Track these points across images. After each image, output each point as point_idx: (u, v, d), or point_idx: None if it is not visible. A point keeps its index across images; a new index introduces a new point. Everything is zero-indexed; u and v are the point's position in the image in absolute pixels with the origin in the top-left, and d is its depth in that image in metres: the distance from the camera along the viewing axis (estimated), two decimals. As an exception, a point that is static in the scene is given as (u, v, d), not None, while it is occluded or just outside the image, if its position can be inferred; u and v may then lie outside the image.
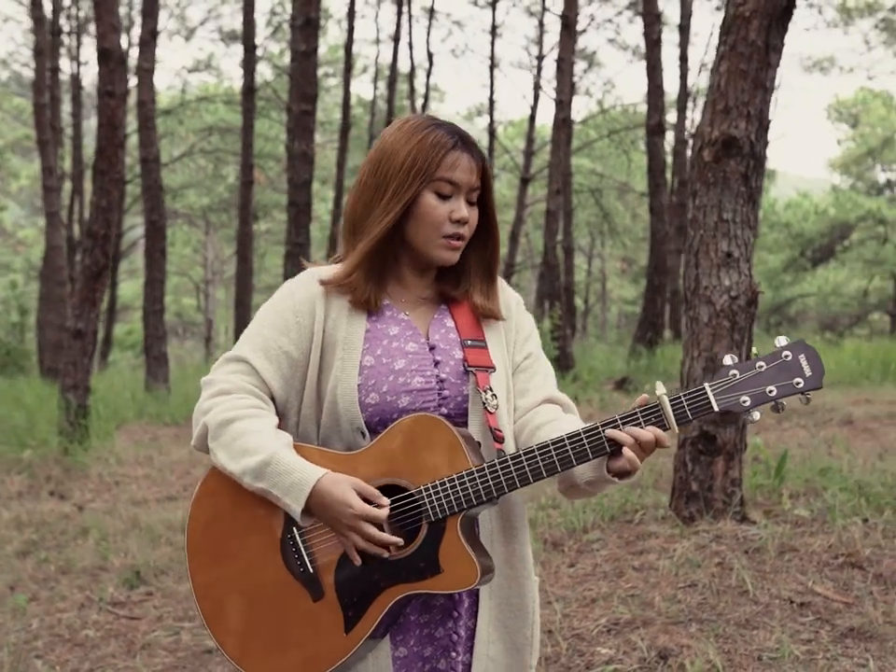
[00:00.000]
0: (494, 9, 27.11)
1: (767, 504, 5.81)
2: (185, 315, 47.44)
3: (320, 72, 34.46)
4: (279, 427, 2.02)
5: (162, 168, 15.35)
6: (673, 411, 1.89)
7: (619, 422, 1.92)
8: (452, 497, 1.92)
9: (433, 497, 1.92)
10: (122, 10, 28.73)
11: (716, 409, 1.90)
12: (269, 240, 40.14)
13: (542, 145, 31.12)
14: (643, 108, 31.10)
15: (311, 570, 1.94)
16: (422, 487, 1.93)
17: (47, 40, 20.91)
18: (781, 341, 1.93)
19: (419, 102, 25.27)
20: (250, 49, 21.32)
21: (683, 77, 21.21)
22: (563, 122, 16.33)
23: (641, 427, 1.90)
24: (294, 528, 1.95)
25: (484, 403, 2.02)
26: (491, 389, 2.03)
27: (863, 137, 40.34)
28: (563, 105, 16.22)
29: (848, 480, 6.13)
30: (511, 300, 2.22)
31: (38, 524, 6.78)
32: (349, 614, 1.92)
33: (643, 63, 17.44)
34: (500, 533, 2.08)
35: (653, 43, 16.18)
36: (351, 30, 22.72)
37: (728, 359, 1.93)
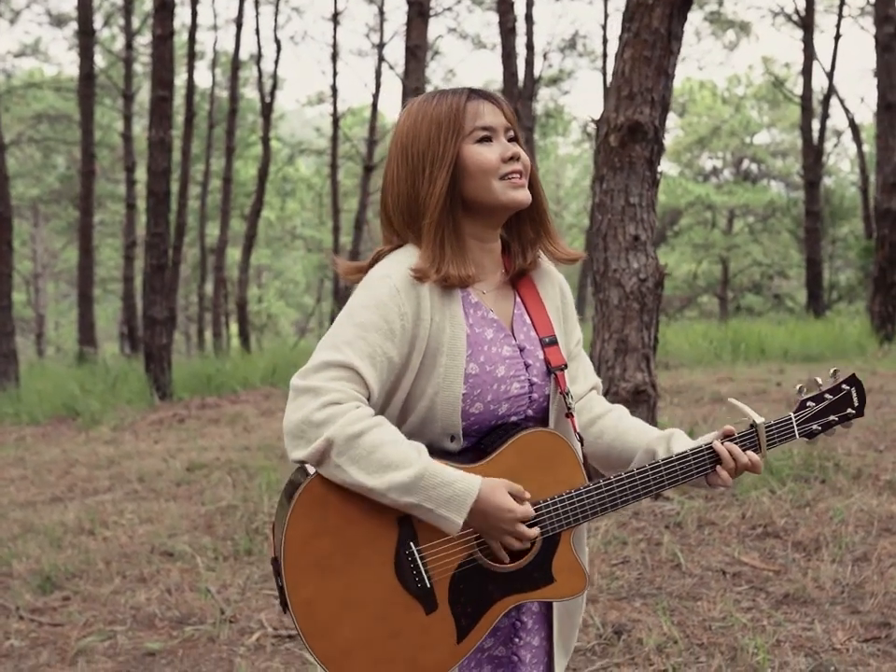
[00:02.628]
0: (335, -4, 26.96)
1: (676, 480, 5.97)
2: (14, 311, 45.49)
3: (147, 59, 33.60)
4: None
5: (5, 155, 14.62)
6: (766, 438, 2.09)
7: (722, 441, 2.06)
8: (570, 512, 1.96)
9: (553, 512, 1.95)
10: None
11: (797, 437, 2.14)
12: (103, 232, 38.88)
13: (384, 133, 31.11)
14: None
15: (428, 585, 1.89)
16: (542, 502, 1.95)
17: None
18: (840, 376, 2.18)
19: (267, 89, 24.85)
20: (87, 32, 20.62)
21: (529, 65, 21.54)
22: (418, 110, 16.31)
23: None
24: (411, 543, 1.89)
25: (569, 407, 2.04)
26: (570, 391, 2.06)
27: (691, 126, 41.82)
28: (418, 92, 16.22)
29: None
30: (562, 281, 2.19)
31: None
32: (462, 623, 1.92)
33: (483, 53, 17.68)
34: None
35: (507, 31, 16.35)
36: (194, 14, 22.21)
37: (801, 391, 2.17)
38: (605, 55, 27.39)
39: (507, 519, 1.85)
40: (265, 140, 24.22)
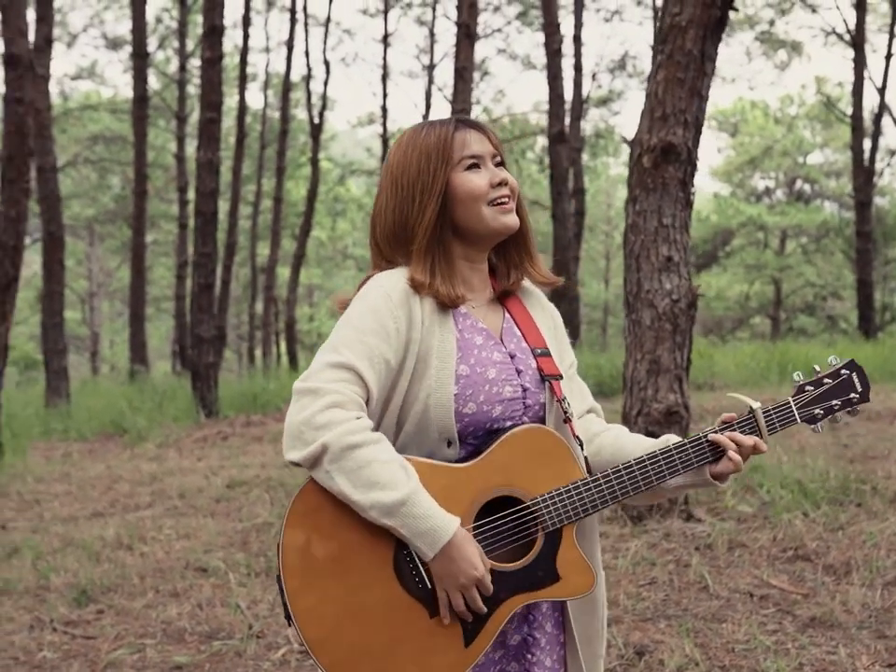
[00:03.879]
0: (385, 18, 27.18)
1: (709, 502, 5.95)
2: (68, 329, 46.14)
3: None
4: None
5: (57, 177, 14.93)
6: (765, 423, 2.06)
7: (718, 430, 2.04)
8: (569, 507, 1.95)
9: (551, 507, 1.94)
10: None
11: (798, 421, 2.10)
12: (156, 251, 39.41)
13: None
14: (533, 118, 31.57)
15: (430, 586, 1.89)
16: (538, 498, 1.95)
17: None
18: (833, 360, 2.14)
19: (316, 111, 25.11)
20: (141, 55, 20.98)
21: (578, 86, 21.56)
22: (464, 131, 16.40)
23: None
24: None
25: (566, 412, 2.05)
26: (566, 398, 2.08)
27: (743, 146, 41.55)
28: (464, 114, 16.33)
29: (784, 477, 6.32)
30: (551, 307, 2.26)
31: (-38, 545, 6.55)
32: (468, 627, 1.90)
33: (532, 73, 17.72)
34: (579, 535, 2.07)
35: (554, 52, 16.40)
36: (246, 38, 22.51)
37: (797, 376, 2.13)
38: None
39: (470, 575, 1.86)
40: (314, 161, 24.42)
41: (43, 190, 14.35)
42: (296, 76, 26.52)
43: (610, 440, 2.16)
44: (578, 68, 21.32)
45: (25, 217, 9.21)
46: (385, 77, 27.39)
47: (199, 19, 25.10)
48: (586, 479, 1.97)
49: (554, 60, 16.49)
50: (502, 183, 2.05)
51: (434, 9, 28.55)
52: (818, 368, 2.14)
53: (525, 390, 2.04)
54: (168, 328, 43.34)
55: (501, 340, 2.10)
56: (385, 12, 27.24)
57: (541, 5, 17.01)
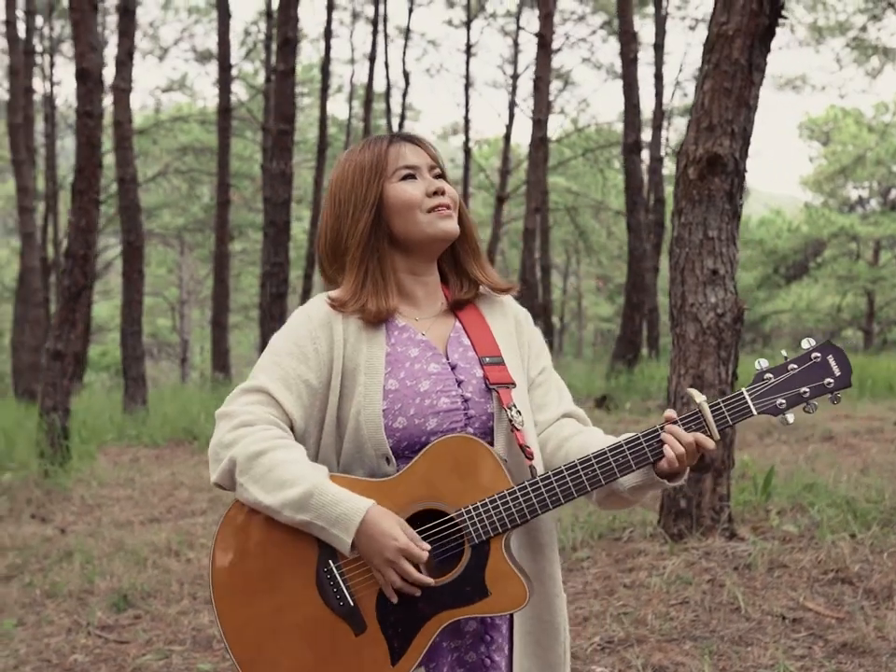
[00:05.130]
0: (468, 29, 27.26)
1: (755, 520, 5.82)
2: (160, 336, 47.14)
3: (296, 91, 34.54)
4: None
5: (137, 188, 15.25)
6: (714, 417, 1.92)
7: (659, 430, 1.93)
8: (495, 518, 1.89)
9: (476, 520, 1.89)
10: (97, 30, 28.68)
11: (755, 413, 1.93)
12: (244, 260, 40.02)
13: (518, 163, 31.24)
14: (618, 127, 31.29)
15: (351, 604, 1.88)
16: (463, 510, 1.89)
17: (20, 60, 20.80)
18: (806, 343, 1.97)
19: (395, 121, 25.28)
20: (226, 68, 21.36)
21: (658, 95, 21.35)
22: (540, 141, 16.40)
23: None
24: (330, 561, 1.89)
25: (511, 420, 1.99)
26: (515, 406, 2.01)
27: (835, 155, 40.68)
28: (540, 123, 16.30)
29: (835, 495, 6.15)
30: (519, 313, 2.23)
31: (21, 547, 6.71)
32: (395, 645, 1.86)
33: (617, 82, 17.61)
34: (529, 550, 2.05)
35: (630, 62, 16.28)
36: (328, 49, 22.77)
37: (758, 364, 1.96)
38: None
39: (390, 547, 1.82)
40: (394, 171, 24.55)
41: (123, 201, 14.66)
42: (380, 86, 26.64)
43: (578, 444, 2.07)
44: (658, 77, 21.11)
45: (95, 227, 9.44)
46: (467, 88, 27.47)
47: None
48: (513, 488, 1.90)
49: (630, 69, 16.36)
50: (438, 192, 2.05)
51: (518, 20, 28.54)
52: (785, 353, 1.99)
53: (465, 400, 2.01)
54: (256, 336, 44.01)
55: (446, 351, 2.08)
56: (468, 23, 27.31)
57: (617, 14, 16.89)
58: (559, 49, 27.93)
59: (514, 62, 29.17)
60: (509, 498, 1.89)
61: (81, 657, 4.57)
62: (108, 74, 18.92)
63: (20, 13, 21.87)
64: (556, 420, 2.15)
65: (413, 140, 2.12)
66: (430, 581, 1.84)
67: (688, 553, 5.27)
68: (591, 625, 4.47)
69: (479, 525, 1.89)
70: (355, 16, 29.73)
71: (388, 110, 25.34)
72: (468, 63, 27.30)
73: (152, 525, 7.24)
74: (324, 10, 23.19)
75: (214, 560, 1.93)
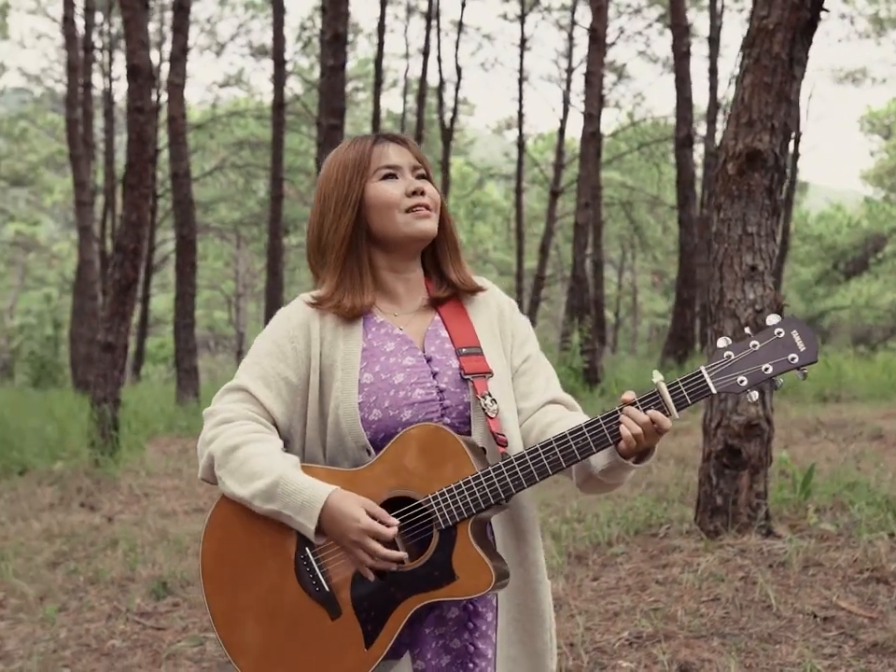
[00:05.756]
0: (523, 23, 27.22)
1: (793, 518, 5.78)
2: (216, 329, 47.70)
3: (350, 86, 34.67)
4: (285, 451, 2.07)
5: (194, 182, 15.44)
6: (672, 396, 1.92)
7: (618, 411, 1.94)
8: (460, 503, 1.93)
9: (442, 505, 1.94)
10: (154, 26, 29.05)
11: (714, 391, 1.91)
12: (299, 253, 40.28)
13: (572, 157, 31.10)
14: (673, 121, 31.08)
15: (327, 589, 1.95)
16: (430, 496, 1.94)
17: (79, 56, 21.14)
18: (773, 319, 1.93)
19: (447, 115, 25.30)
20: (280, 63, 21.51)
21: (713, 88, 21.18)
22: (591, 136, 16.33)
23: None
24: (307, 548, 1.96)
25: (484, 409, 2.03)
26: (490, 395, 2.05)
27: (896, 149, 40.07)
28: (591, 118, 16.22)
29: (876, 494, 6.09)
30: (503, 304, 2.26)
31: (68, 535, 6.86)
32: (368, 629, 1.93)
33: (673, 76, 17.46)
34: (512, 538, 2.09)
35: (682, 55, 16.17)
36: (381, 44, 22.87)
37: (722, 342, 1.94)
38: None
39: (353, 528, 1.88)
40: (444, 164, 24.60)
41: (177, 195, 14.87)
42: (434, 81, 26.72)
43: (559, 429, 2.06)
44: (713, 71, 20.94)
45: (146, 221, 9.58)
46: (521, 82, 27.43)
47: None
48: (477, 474, 1.94)
49: (682, 63, 16.25)
50: (418, 192, 2.10)
51: (573, 13, 28.43)
52: (748, 331, 1.95)
53: (441, 391, 2.06)
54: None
55: (424, 344, 2.12)
56: (522, 17, 27.25)
57: (669, 7, 16.77)
58: (613, 43, 27.78)
59: (569, 56, 29.10)
60: (473, 484, 1.94)
61: (119, 642, 4.67)
62: (165, 70, 19.15)
63: (78, 10, 22.23)
64: (542, 407, 2.18)
65: (397, 140, 2.17)
66: (401, 554, 1.90)
67: (723, 551, 5.25)
68: (620, 620, 4.48)
69: (445, 511, 1.93)
70: (409, 10, 29.78)
71: (441, 104, 25.36)
72: (522, 57, 27.27)
73: (196, 515, 7.35)
74: (378, 5, 23.25)
75: (203, 549, 2.04)
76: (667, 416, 1.92)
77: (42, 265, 45.91)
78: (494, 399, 2.05)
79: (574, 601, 4.76)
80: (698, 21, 41.26)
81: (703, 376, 1.92)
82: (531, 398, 2.17)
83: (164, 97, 20.58)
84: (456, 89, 25.97)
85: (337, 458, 2.05)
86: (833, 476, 6.94)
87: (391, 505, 1.96)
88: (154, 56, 31.81)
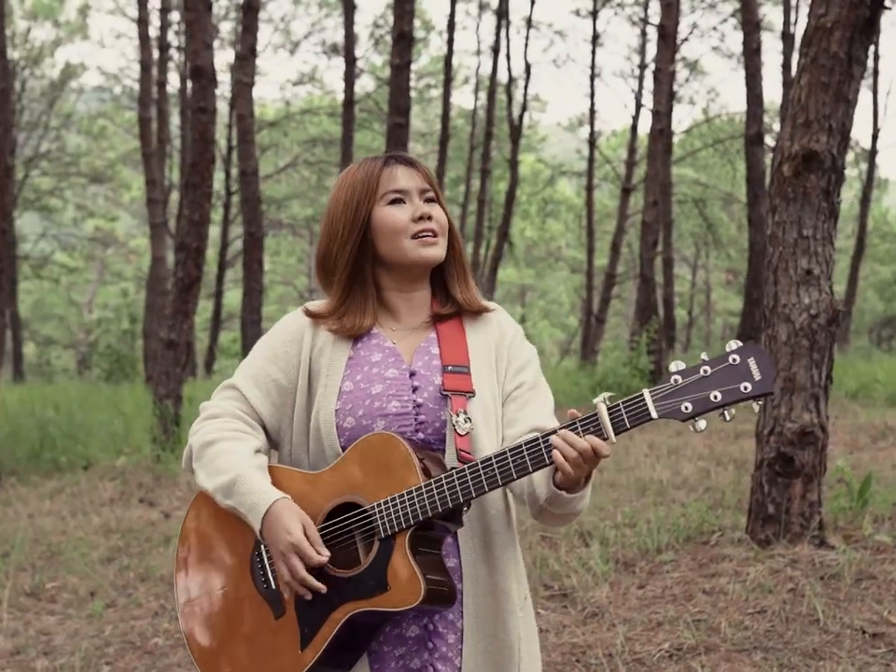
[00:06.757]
0: (595, 19, 26.96)
1: (848, 529, 5.64)
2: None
3: (422, 83, 34.74)
4: (278, 455, 2.13)
5: (267, 179, 15.59)
6: (611, 419, 1.85)
7: (557, 432, 1.88)
8: (400, 514, 1.93)
9: (383, 514, 1.95)
10: (229, 25, 29.43)
11: (654, 416, 1.83)
12: (371, 250, 40.53)
13: (644, 154, 30.81)
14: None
15: (274, 587, 2.01)
16: (374, 504, 1.96)
17: (151, 56, 21.46)
18: (731, 345, 1.85)
19: (516, 112, 25.20)
20: (350, 61, 21.61)
21: (786, 85, 20.77)
22: (660, 133, 16.13)
23: (580, 436, 1.86)
24: (262, 546, 2.02)
25: (455, 426, 2.01)
26: (465, 412, 2.03)
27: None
28: (660, 115, 16.03)
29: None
30: (507, 328, 2.23)
31: (125, 530, 6.96)
32: (305, 631, 1.97)
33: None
34: (483, 564, 2.07)
35: (752, 52, 15.89)
36: (451, 42, 22.86)
37: (673, 366, 1.86)
38: (875, 72, 25.96)
39: (283, 540, 1.92)
40: (513, 162, 24.50)
41: (245, 193, 15.03)
42: (505, 78, 26.54)
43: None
44: (786, 67, 20.56)
45: (208, 220, 9.69)
46: (593, 78, 27.22)
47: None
48: (419, 486, 1.93)
49: (753, 59, 15.97)
50: (424, 217, 2.09)
51: (646, 9, 28.13)
52: (705, 356, 1.86)
53: (418, 406, 2.06)
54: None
55: (412, 358, 2.13)
56: (595, 13, 27.02)
57: (741, 3, 16.51)
58: (686, 39, 27.42)
59: (641, 52, 28.79)
60: (415, 495, 1.93)
61: (162, 641, 4.72)
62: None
63: (154, 10, 22.57)
64: (524, 434, 2.11)
65: (407, 162, 2.16)
66: (318, 585, 1.92)
67: (773, 561, 5.14)
68: (662, 631, 4.41)
69: (386, 520, 1.94)
70: (481, 7, 29.72)
71: (510, 101, 25.24)
72: (594, 53, 27.02)
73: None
74: (449, 3, 23.23)
75: (180, 538, 2.13)
76: (604, 440, 1.85)
77: (120, 260, 46.76)
78: (469, 419, 2.03)
79: (617, 610, 4.70)
80: (773, 15, 40.62)
81: (644, 400, 1.84)
82: (515, 425, 2.13)
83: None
84: (526, 86, 25.84)
85: (319, 464, 2.08)
86: (895, 485, 6.76)
87: (342, 510, 1.99)
88: (229, 55, 32.25)
